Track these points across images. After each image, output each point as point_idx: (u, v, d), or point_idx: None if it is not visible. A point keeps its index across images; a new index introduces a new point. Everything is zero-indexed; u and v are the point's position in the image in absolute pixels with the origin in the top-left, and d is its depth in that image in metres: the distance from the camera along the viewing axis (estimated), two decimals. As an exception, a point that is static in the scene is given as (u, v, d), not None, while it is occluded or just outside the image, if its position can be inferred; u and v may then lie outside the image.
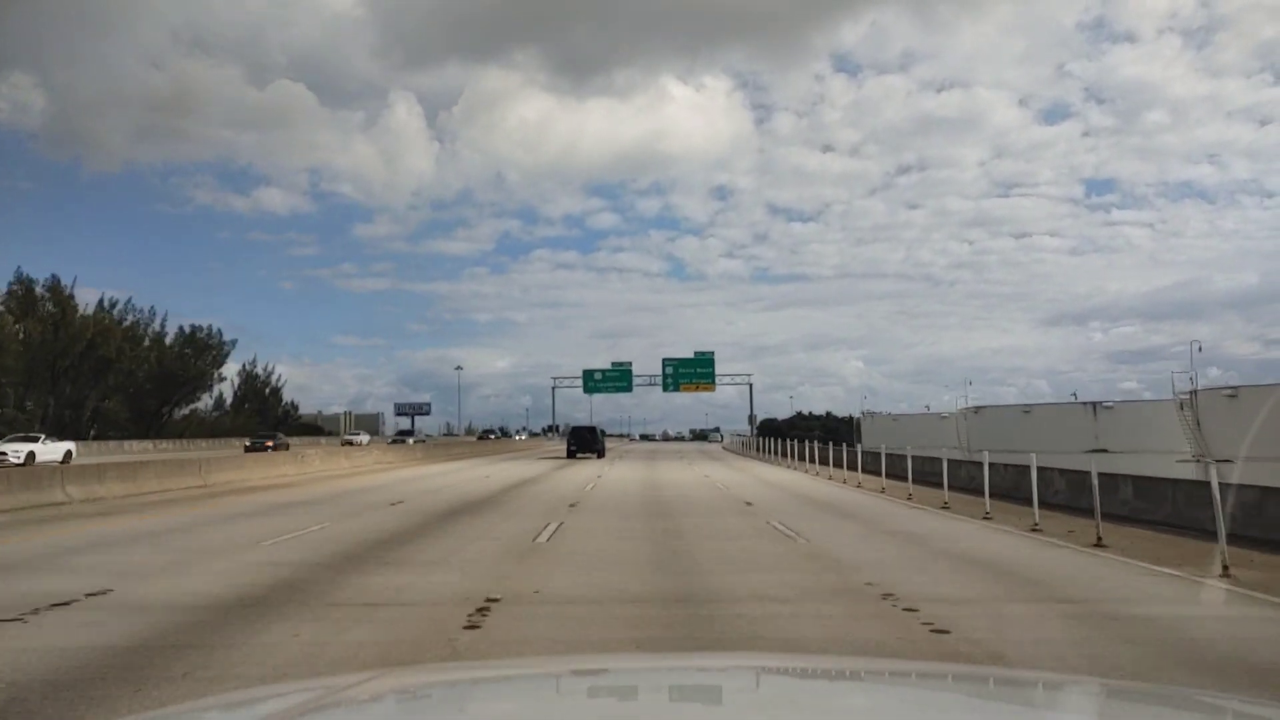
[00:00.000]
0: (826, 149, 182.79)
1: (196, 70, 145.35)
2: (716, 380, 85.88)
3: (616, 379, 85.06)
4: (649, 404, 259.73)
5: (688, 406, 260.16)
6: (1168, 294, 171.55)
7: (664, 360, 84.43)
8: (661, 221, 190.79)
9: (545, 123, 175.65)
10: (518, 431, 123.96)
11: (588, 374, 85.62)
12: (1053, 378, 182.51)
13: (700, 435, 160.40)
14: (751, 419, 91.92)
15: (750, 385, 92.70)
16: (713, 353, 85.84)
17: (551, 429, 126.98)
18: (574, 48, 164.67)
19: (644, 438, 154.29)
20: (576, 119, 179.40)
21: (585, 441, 48.16)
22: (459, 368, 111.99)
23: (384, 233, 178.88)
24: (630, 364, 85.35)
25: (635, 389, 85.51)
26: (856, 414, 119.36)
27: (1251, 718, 1.95)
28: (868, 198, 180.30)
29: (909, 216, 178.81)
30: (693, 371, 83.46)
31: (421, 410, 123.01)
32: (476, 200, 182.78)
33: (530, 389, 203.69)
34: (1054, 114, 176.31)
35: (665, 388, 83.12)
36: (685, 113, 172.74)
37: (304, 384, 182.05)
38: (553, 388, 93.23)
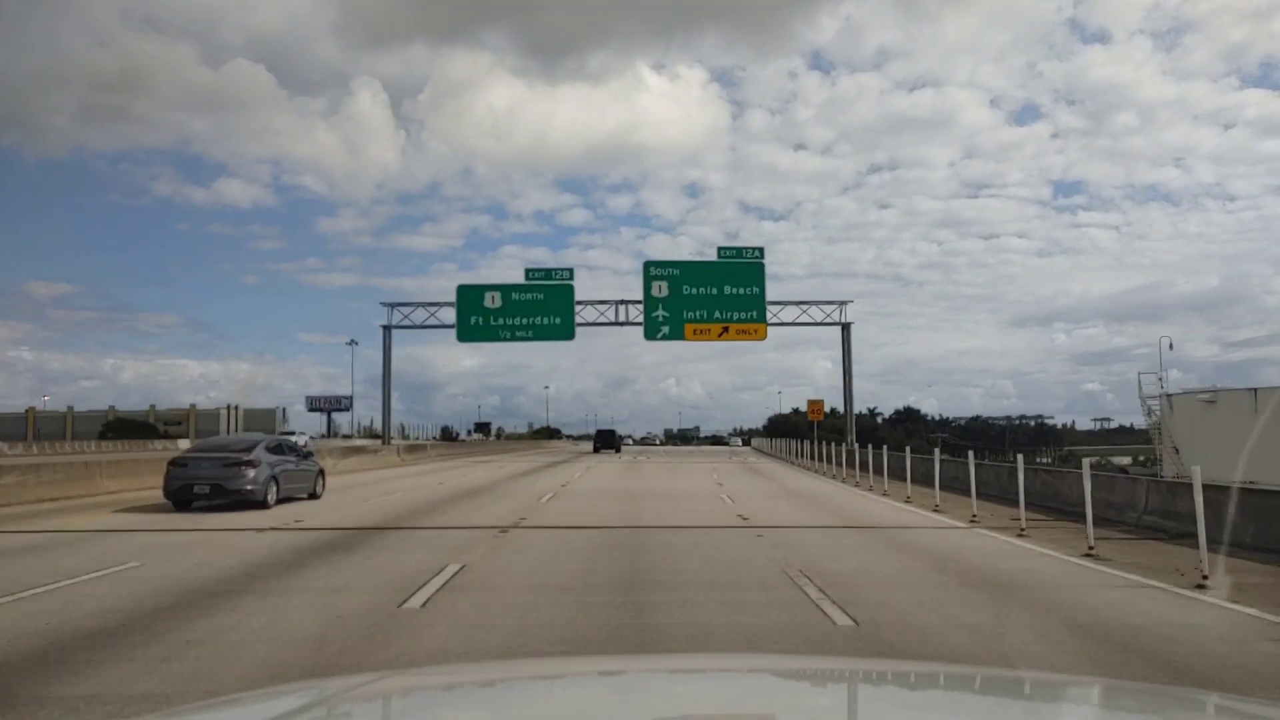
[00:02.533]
0: (799, 147, 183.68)
1: (147, 49, 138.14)
2: (769, 316, 40.55)
3: (535, 310, 39.87)
4: (621, 402, 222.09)
5: (656, 407, 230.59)
6: (1131, 296, 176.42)
7: (650, 268, 39.83)
8: (633, 219, 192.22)
9: (515, 110, 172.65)
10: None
11: (468, 296, 40.20)
12: (1017, 379, 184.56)
13: (680, 438, 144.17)
14: (847, 412, 45.58)
15: (846, 328, 43.42)
16: (761, 251, 40.40)
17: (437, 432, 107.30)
18: (545, 27, 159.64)
19: (641, 442, 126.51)
20: (547, 107, 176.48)
21: (607, 440, 66.45)
22: (353, 342, 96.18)
23: (349, 227, 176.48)
24: (569, 274, 41.31)
25: (580, 335, 41.67)
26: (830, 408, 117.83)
27: (1254, 718, 1.94)
28: (839, 197, 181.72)
29: (879, 216, 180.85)
30: (717, 295, 38.89)
31: (340, 405, 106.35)
32: (444, 195, 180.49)
33: (499, 389, 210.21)
34: (1024, 115, 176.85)
35: (652, 332, 39.67)
36: (659, 103, 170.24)
37: (268, 382, 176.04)
38: (384, 329, 44.14)
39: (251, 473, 16.41)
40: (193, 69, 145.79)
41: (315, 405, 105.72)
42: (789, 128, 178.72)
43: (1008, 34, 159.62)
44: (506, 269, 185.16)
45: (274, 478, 16.95)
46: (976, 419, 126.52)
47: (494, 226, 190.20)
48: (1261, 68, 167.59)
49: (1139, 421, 40.64)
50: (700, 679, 2.21)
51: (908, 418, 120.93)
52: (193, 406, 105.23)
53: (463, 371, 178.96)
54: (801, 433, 79.48)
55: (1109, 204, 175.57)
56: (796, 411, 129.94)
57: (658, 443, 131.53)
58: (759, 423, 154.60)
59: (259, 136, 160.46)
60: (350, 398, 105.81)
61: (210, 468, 16.62)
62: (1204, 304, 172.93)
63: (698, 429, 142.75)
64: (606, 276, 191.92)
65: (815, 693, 2.09)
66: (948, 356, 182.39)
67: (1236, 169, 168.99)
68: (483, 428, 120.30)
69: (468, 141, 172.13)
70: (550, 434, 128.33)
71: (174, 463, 17.07)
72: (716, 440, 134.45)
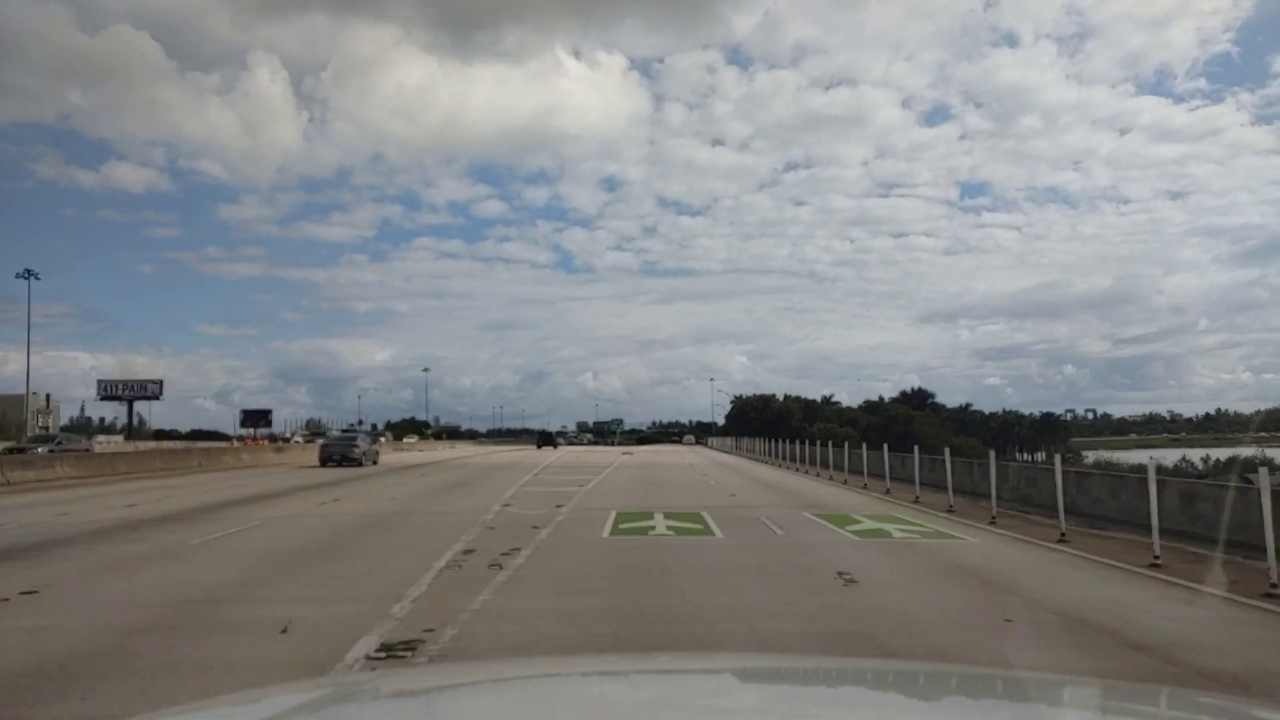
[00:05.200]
0: (716, 142, 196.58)
1: (10, 9, 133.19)
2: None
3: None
4: (538, 397, 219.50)
5: (572, 401, 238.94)
6: (1031, 294, 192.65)
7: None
8: (550, 212, 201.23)
9: (426, 88, 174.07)
10: None
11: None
12: (923, 373, 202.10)
13: (598, 433, 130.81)
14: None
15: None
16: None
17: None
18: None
19: (595, 437, 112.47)
20: (460, 86, 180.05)
21: (547, 439, 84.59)
22: (28, 272, 77.29)
23: (252, 215, 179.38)
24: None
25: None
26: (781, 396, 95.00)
27: (1250, 718, 2.02)
28: (756, 193, 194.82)
29: (795, 213, 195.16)
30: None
31: (146, 393, 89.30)
32: (354, 183, 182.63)
33: (411, 382, 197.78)
34: (935, 116, 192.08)
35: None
36: (578, 87, 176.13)
37: (164, 376, 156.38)
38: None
39: (358, 450, 38.90)
40: (66, 33, 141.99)
41: (110, 393, 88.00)
42: (707, 122, 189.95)
43: (929, 25, 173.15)
44: (421, 260, 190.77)
45: (365, 452, 37.76)
46: (967, 408, 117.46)
47: (407, 217, 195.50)
48: (1156, 74, 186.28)
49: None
50: (700, 679, 2.31)
51: (921, 403, 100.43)
52: None
53: (375, 365, 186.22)
54: (793, 427, 61.85)
55: (1012, 205, 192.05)
56: (739, 400, 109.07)
57: (584, 441, 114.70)
58: (675, 417, 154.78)
59: (147, 112, 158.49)
60: (160, 383, 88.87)
61: (340, 447, 40.13)
62: (1098, 302, 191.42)
63: (620, 421, 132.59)
64: (523, 270, 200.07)
65: (813, 693, 2.15)
66: (859, 351, 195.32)
67: (1130, 173, 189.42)
68: (256, 418, 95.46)
69: (376, 122, 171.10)
70: (419, 432, 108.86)
71: (323, 445, 41.90)
72: (645, 438, 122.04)
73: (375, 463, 40.50)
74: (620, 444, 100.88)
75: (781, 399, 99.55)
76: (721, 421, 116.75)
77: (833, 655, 5.85)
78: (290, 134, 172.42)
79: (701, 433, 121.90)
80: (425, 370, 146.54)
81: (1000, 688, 2.25)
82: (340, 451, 38.80)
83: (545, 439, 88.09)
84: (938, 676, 2.56)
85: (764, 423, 75.98)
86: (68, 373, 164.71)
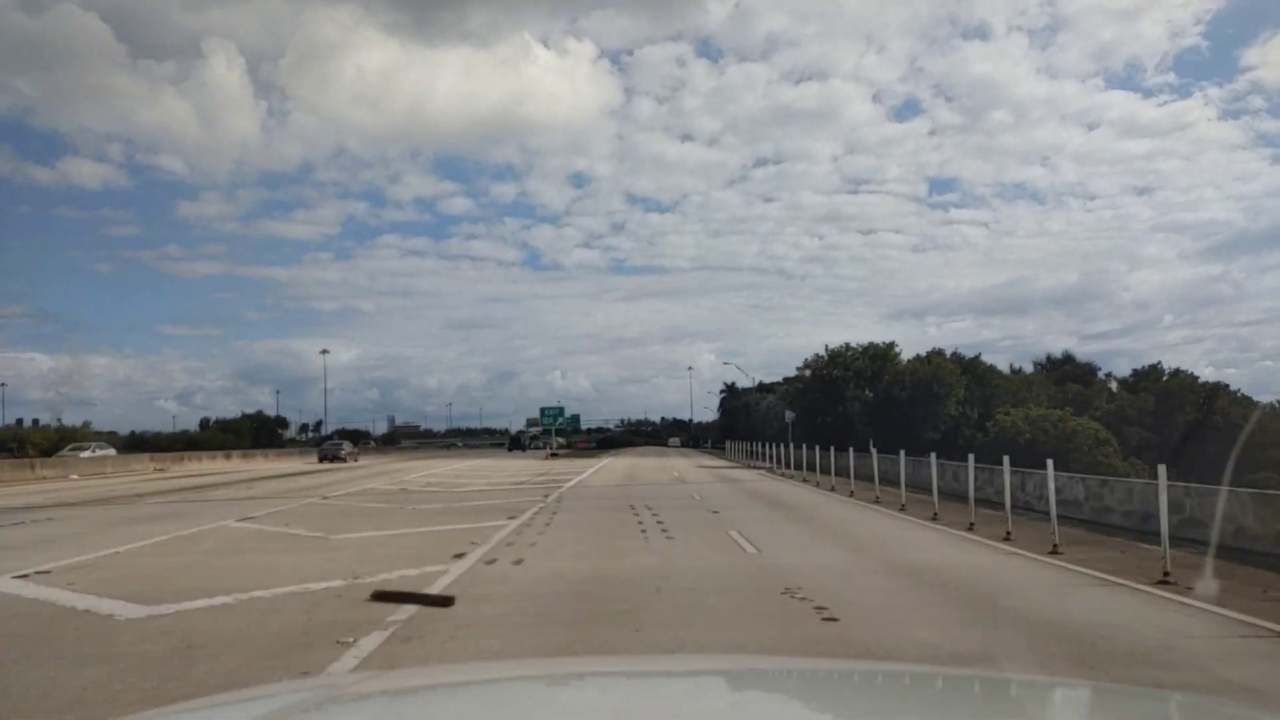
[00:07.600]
0: (686, 138, 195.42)
1: None
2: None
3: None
4: (506, 396, 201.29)
5: (540, 400, 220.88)
6: (999, 291, 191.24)
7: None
8: (517, 209, 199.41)
9: (389, 73, 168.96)
10: None
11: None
12: None
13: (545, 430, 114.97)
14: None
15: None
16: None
17: None
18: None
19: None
20: (425, 72, 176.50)
21: (516, 443, 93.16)
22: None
23: (212, 212, 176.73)
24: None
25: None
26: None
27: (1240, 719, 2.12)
28: (725, 189, 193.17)
29: (764, 210, 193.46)
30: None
31: None
32: (317, 179, 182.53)
33: (379, 382, 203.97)
34: (905, 110, 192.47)
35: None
36: (547, 75, 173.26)
37: (126, 378, 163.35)
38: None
39: (345, 451, 64.32)
40: (8, 13, 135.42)
41: None
42: (676, 117, 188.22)
43: (906, 10, 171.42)
44: (386, 258, 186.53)
45: (350, 453, 64.60)
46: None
47: (371, 214, 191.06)
48: (1126, 68, 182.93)
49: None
50: (694, 680, 2.38)
51: (1068, 368, 69.31)
52: None
53: (339, 365, 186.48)
54: (950, 415, 39.18)
55: (980, 201, 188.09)
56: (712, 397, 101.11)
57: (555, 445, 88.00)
58: (645, 415, 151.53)
59: (100, 102, 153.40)
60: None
61: (333, 449, 65.04)
62: (1064, 298, 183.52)
63: (576, 418, 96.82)
64: (490, 268, 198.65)
65: (807, 693, 2.21)
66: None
67: (1098, 169, 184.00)
68: None
69: (337, 111, 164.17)
70: (271, 434, 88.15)
71: (321, 448, 66.91)
72: (610, 439, 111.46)
73: (357, 459, 61.31)
74: (556, 452, 67.30)
75: (903, 357, 53.19)
76: (698, 416, 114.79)
77: (831, 659, 6.02)
78: (249, 125, 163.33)
79: (679, 431, 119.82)
80: (324, 352, 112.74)
81: (986, 689, 2.30)
82: (331, 453, 59.95)
83: (515, 443, 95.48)
84: (923, 678, 2.60)
85: (875, 405, 43.90)
86: (24, 374, 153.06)
